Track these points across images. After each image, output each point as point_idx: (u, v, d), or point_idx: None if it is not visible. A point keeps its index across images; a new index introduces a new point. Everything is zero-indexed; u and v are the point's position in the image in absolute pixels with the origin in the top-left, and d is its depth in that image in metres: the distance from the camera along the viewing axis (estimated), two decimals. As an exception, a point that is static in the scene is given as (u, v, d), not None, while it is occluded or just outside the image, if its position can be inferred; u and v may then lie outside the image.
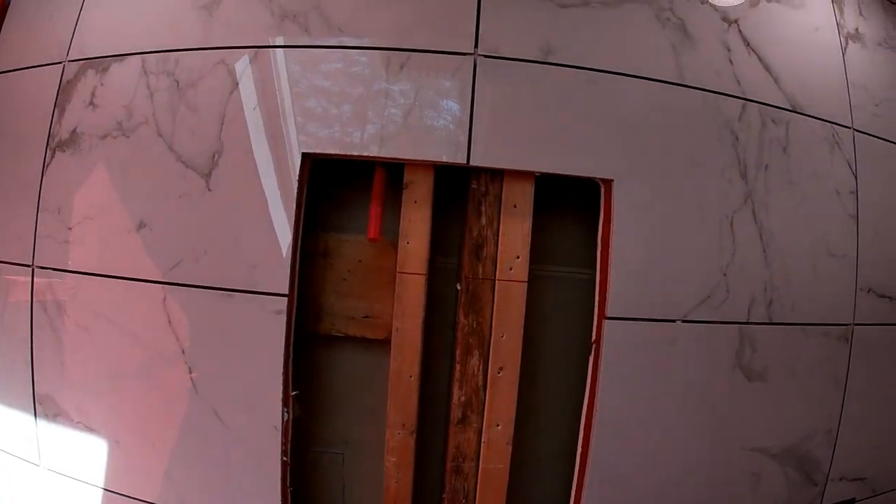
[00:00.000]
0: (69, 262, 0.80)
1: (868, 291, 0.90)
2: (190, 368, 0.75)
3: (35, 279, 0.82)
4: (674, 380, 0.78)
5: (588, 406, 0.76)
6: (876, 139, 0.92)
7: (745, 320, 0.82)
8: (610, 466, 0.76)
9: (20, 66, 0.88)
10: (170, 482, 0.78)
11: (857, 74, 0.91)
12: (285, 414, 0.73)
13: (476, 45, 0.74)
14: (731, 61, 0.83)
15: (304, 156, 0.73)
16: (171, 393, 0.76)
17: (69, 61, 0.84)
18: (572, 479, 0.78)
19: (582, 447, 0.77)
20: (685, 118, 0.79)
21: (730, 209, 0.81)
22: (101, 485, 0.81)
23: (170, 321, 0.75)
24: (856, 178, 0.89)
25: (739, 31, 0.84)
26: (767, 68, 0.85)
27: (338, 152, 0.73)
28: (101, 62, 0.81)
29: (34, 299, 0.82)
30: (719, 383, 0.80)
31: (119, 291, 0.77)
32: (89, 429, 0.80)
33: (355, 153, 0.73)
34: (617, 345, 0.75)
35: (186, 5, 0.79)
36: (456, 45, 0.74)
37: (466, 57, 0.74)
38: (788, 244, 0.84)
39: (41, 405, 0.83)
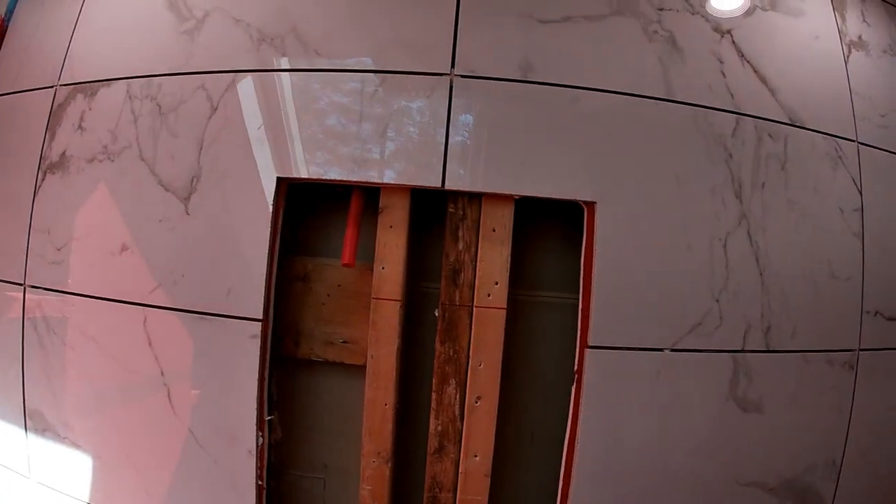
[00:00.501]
0: (58, 282, 0.82)
1: (875, 314, 0.84)
2: (168, 390, 0.76)
3: (27, 297, 0.85)
4: (662, 413, 0.75)
5: (569, 439, 0.73)
6: (882, 152, 0.86)
7: (739, 348, 0.77)
8: (591, 499, 0.73)
9: (16, 90, 0.91)
10: (149, 499, 0.79)
11: (861, 84, 0.86)
12: (260, 438, 0.73)
13: (452, 65, 0.73)
14: (723, 73, 0.79)
15: (280, 180, 0.73)
16: (150, 413, 0.77)
17: (60, 85, 0.86)
18: (554, 509, 0.75)
19: (563, 482, 0.74)
20: (673, 135, 0.75)
21: (722, 231, 0.77)
22: (86, 499, 0.82)
23: (150, 343, 0.76)
24: (861, 194, 0.83)
25: (733, 41, 0.80)
26: (763, 80, 0.80)
27: (312, 176, 0.73)
28: (89, 87, 0.83)
29: (25, 317, 0.85)
30: (711, 415, 0.76)
31: (103, 312, 0.79)
32: (75, 444, 0.82)
33: (329, 177, 0.73)
34: (600, 375, 0.72)
35: (169, 31, 0.80)
36: (431, 66, 0.72)
37: (442, 77, 0.72)
38: (787, 267, 0.79)
39: (31, 420, 0.85)
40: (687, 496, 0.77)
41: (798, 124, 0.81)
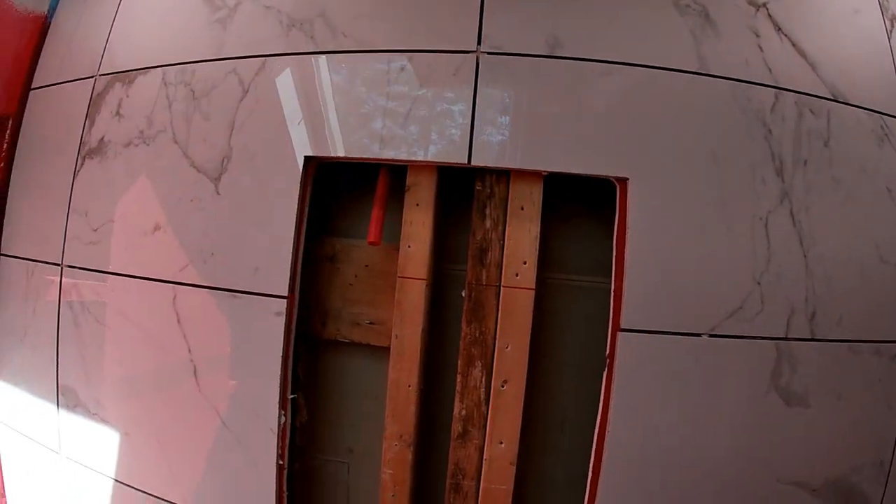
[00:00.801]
0: (93, 262, 0.85)
1: (927, 304, 0.78)
2: (195, 367, 0.77)
3: (63, 277, 0.88)
4: (697, 401, 0.70)
5: (600, 428, 0.70)
6: (933, 129, 0.81)
7: (783, 335, 0.73)
8: (623, 496, 0.69)
9: (59, 81, 0.95)
10: (172, 477, 0.79)
11: (907, 59, 0.81)
12: (282, 417, 0.73)
13: (479, 43, 0.72)
14: (760, 48, 0.75)
15: (307, 159, 0.73)
16: (177, 390, 0.78)
17: (100, 75, 0.90)
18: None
19: (592, 474, 0.70)
20: (709, 110, 0.72)
21: (763, 210, 0.73)
22: (113, 475, 0.83)
23: (179, 320, 0.77)
24: (910, 172, 0.78)
25: (769, 14, 0.77)
26: (803, 54, 0.77)
27: (339, 155, 0.73)
28: (127, 75, 0.87)
29: (62, 296, 0.88)
30: (752, 407, 0.71)
31: (135, 291, 0.81)
32: (104, 421, 0.84)
33: (356, 156, 0.73)
34: (633, 360, 0.69)
35: (203, 19, 0.83)
36: (458, 44, 0.72)
37: (468, 55, 0.72)
38: (833, 249, 0.74)
39: (63, 396, 0.88)
40: (723, 493, 0.72)
41: (840, 100, 0.77)
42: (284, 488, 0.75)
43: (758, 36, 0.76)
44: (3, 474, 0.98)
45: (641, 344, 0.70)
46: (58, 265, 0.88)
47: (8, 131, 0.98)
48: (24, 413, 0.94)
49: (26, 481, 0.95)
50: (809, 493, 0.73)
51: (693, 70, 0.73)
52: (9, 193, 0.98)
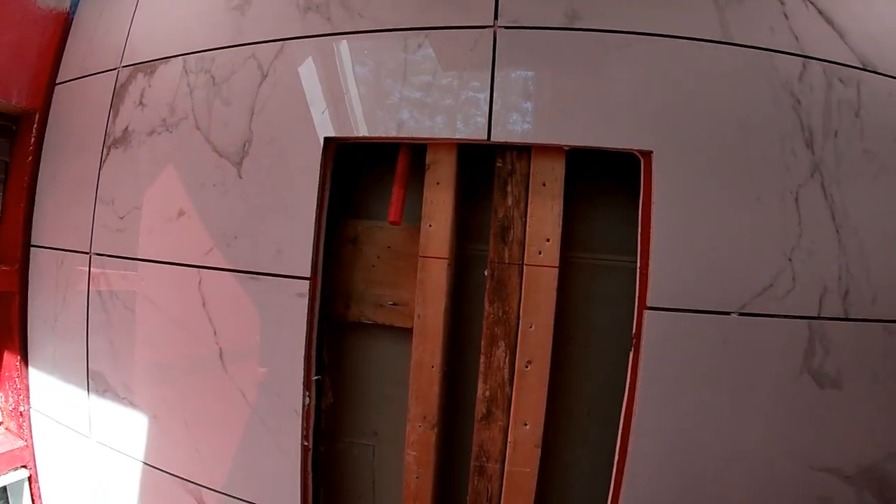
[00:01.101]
0: (120, 249, 0.87)
1: (967, 281, 0.74)
2: (220, 349, 0.78)
3: (91, 265, 0.90)
4: (727, 383, 0.68)
5: (626, 409, 0.68)
6: (970, 97, 0.77)
7: (815, 314, 0.70)
8: (649, 481, 0.68)
9: (82, 75, 0.98)
10: (199, 459, 0.80)
11: (941, 24, 0.77)
12: (306, 398, 0.73)
13: (496, 17, 0.71)
14: (785, 15, 0.73)
15: (327, 140, 0.74)
16: (203, 372, 0.79)
17: (122, 67, 0.92)
18: (608, 491, 0.70)
19: (619, 456, 0.69)
20: (733, 80, 0.70)
21: (793, 183, 0.70)
22: (141, 458, 0.85)
23: (204, 303, 0.79)
24: (947, 146, 0.74)
25: None
26: (830, 22, 0.74)
27: (358, 135, 0.73)
28: (149, 66, 0.89)
29: (90, 283, 0.90)
30: (784, 389, 0.69)
31: (161, 275, 0.82)
32: (133, 405, 0.85)
33: (375, 135, 0.73)
34: (660, 339, 0.67)
35: (221, 7, 0.84)
36: (474, 19, 0.71)
37: (485, 30, 0.71)
38: (866, 224, 0.71)
39: (93, 381, 0.90)
40: (754, 479, 0.69)
41: (871, 69, 0.74)
42: (310, 470, 0.75)
43: (783, 3, 0.74)
44: (36, 458, 1.01)
45: (669, 322, 0.68)
46: (86, 253, 0.90)
47: (35, 126, 1.01)
48: (55, 398, 0.97)
49: (58, 464, 0.98)
50: (842, 480, 0.71)
51: (716, 39, 0.71)
52: (37, 186, 1.00)
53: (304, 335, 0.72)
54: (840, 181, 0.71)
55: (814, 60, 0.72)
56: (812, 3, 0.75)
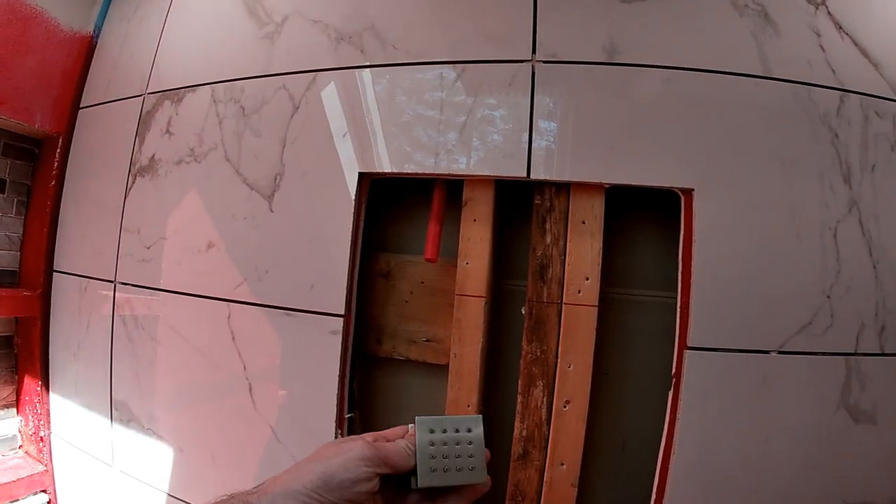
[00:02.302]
0: (146, 279, 0.86)
1: None
2: (250, 385, 0.77)
3: (116, 294, 0.89)
4: (766, 421, 0.67)
5: (665, 448, 0.68)
6: None
7: (852, 351, 0.69)
8: None
9: (107, 100, 0.97)
10: (226, 493, 0.79)
11: (978, 55, 0.76)
12: (339, 435, 0.72)
13: (534, 51, 0.70)
14: (822, 48, 0.72)
15: (361, 175, 0.73)
16: (231, 407, 0.78)
17: (148, 94, 0.91)
18: (644, 527, 0.69)
19: (656, 493, 0.68)
20: (774, 115, 0.69)
21: (832, 219, 0.70)
22: (166, 490, 0.84)
23: (234, 338, 0.78)
24: (984, 180, 0.74)
25: (829, 13, 0.74)
26: (865, 53, 0.73)
27: (394, 170, 0.73)
28: (176, 93, 0.88)
29: (115, 312, 0.89)
30: (821, 425, 0.68)
31: (189, 308, 0.81)
32: (157, 436, 0.84)
33: (410, 171, 0.72)
34: (700, 379, 0.66)
35: (250, 35, 0.83)
36: (512, 53, 0.70)
37: (523, 64, 0.70)
38: (905, 260, 0.71)
39: (117, 411, 0.89)
40: None
41: None
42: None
43: (819, 35, 0.73)
44: (56, 483, 1.00)
45: (709, 362, 0.67)
46: (111, 282, 0.90)
47: (58, 149, 1.00)
48: (77, 425, 0.96)
49: (78, 491, 0.97)
50: None
51: (757, 73, 0.70)
52: (60, 211, 1.00)
53: (338, 373, 0.71)
54: (877, 216, 0.70)
55: (851, 94, 0.71)
56: (847, 34, 0.74)
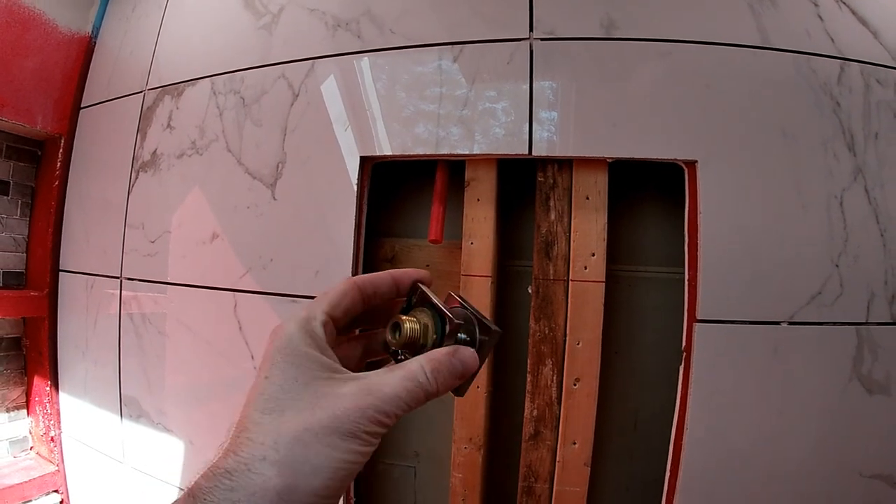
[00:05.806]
0: (152, 273, 0.86)
1: None
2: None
3: (122, 290, 0.89)
4: (777, 393, 0.67)
5: (678, 423, 0.67)
6: None
7: (863, 320, 0.69)
8: (703, 495, 0.66)
9: (108, 98, 0.97)
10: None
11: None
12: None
13: (531, 29, 0.70)
14: (820, 17, 0.72)
15: (363, 159, 0.73)
16: (240, 397, 0.78)
17: (148, 90, 0.91)
18: (659, 504, 0.69)
19: (671, 471, 0.67)
20: (775, 86, 0.69)
21: (837, 188, 0.69)
22: (177, 484, 0.84)
23: (240, 328, 0.78)
24: None
25: None
26: (864, 22, 0.73)
27: (395, 153, 0.73)
28: (175, 88, 0.88)
29: (122, 308, 0.89)
30: (834, 397, 0.67)
31: (195, 300, 0.81)
32: (167, 430, 0.84)
33: (413, 153, 0.72)
34: (710, 352, 0.66)
35: (248, 27, 0.83)
36: (509, 32, 0.70)
37: (521, 42, 0.70)
38: (913, 226, 0.70)
39: (126, 406, 0.89)
40: (805, 488, 0.68)
41: None
42: (352, 493, 0.74)
43: (816, 5, 0.73)
44: (68, 483, 1.00)
45: (719, 335, 0.66)
46: (117, 278, 0.90)
47: (61, 150, 1.01)
48: (87, 423, 0.96)
49: (90, 490, 0.97)
50: (892, 486, 0.69)
51: (755, 44, 0.70)
52: (65, 210, 1.00)
53: (346, 358, 0.71)
54: (883, 183, 0.69)
55: (851, 62, 0.71)
56: (844, 3, 0.73)
